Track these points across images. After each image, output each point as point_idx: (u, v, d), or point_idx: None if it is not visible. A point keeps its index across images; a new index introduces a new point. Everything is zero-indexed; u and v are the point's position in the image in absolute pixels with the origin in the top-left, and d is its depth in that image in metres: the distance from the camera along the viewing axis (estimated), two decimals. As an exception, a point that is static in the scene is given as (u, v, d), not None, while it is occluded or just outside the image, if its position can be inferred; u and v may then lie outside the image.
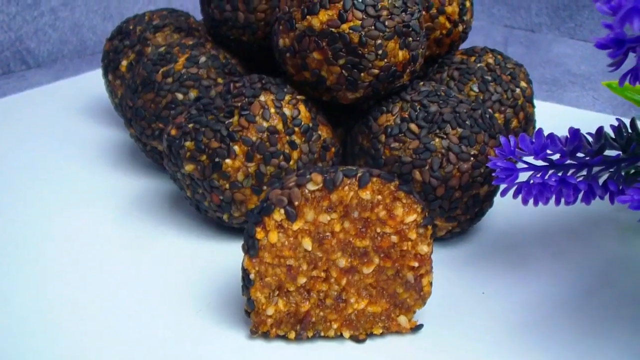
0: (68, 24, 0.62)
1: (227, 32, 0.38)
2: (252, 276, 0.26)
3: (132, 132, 0.39)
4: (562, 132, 0.31)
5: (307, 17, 0.31)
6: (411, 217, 0.26)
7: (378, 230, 0.26)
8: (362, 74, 0.32)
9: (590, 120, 0.45)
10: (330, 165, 0.33)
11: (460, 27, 0.40)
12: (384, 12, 0.31)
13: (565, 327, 0.28)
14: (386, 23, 0.31)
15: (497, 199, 0.35)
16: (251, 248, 0.25)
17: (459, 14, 0.39)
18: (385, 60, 0.31)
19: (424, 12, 0.38)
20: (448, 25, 0.39)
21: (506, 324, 0.28)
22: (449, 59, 0.40)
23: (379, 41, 0.31)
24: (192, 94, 0.37)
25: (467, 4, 0.40)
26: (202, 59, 0.38)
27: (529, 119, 0.39)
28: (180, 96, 0.36)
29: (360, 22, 0.31)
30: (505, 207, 0.36)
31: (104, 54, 0.45)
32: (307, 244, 0.25)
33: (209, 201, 0.32)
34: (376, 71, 0.32)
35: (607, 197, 0.30)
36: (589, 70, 0.65)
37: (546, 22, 0.78)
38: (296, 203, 0.25)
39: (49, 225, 0.35)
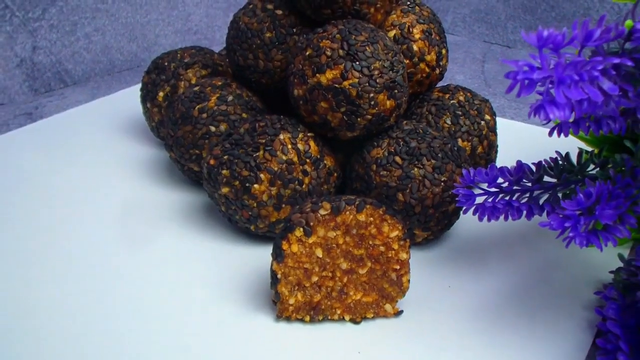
0: (99, 47, 0.71)
1: (250, 75, 0.48)
2: (279, 276, 0.35)
3: (172, 155, 0.48)
4: (522, 150, 0.40)
5: (317, 74, 0.41)
6: (394, 233, 0.35)
7: (370, 242, 0.35)
8: (358, 119, 0.41)
9: (547, 140, 0.55)
10: (333, 187, 0.43)
11: (437, 71, 0.49)
12: (376, 72, 0.40)
13: (513, 312, 0.38)
14: (377, 80, 0.40)
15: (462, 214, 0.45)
16: (278, 256, 0.35)
17: (436, 60, 0.49)
18: (377, 108, 0.41)
19: (407, 61, 0.47)
20: (427, 70, 0.48)
21: (467, 310, 0.38)
22: (427, 96, 0.49)
23: (371, 94, 0.40)
24: (223, 127, 0.46)
25: (443, 51, 0.49)
26: (230, 97, 0.47)
27: (492, 146, 0.49)
28: (213, 129, 0.46)
29: (358, 79, 0.40)
30: (469, 219, 0.46)
31: (142, 85, 0.54)
32: (319, 252, 0.35)
33: (239, 216, 0.42)
34: (369, 117, 0.41)
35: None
36: (554, 87, 0.75)
37: (521, 39, 0.87)
38: (311, 224, 0.35)
39: (103, 232, 0.44)
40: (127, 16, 0.73)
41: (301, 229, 0.35)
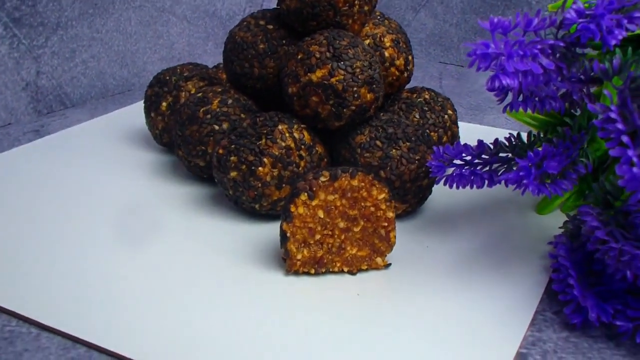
0: (95, 72, 0.78)
1: (246, 82, 0.55)
2: (288, 235, 0.42)
3: (180, 153, 0.55)
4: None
5: (308, 74, 0.48)
6: (382, 195, 0.43)
7: (362, 204, 0.43)
8: (344, 110, 0.49)
9: (499, 135, 0.64)
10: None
11: (405, 74, 0.57)
12: (357, 70, 0.48)
13: (481, 264, 0.45)
14: (359, 77, 0.48)
15: (435, 190, 0.52)
16: (288, 217, 0.42)
17: (404, 65, 0.57)
18: (359, 100, 0.49)
19: (381, 66, 0.55)
20: (397, 73, 0.56)
21: (444, 264, 0.45)
22: (398, 95, 0.57)
23: (355, 88, 0.48)
24: (225, 126, 0.53)
25: (410, 58, 0.58)
26: (230, 100, 0.54)
27: (455, 136, 0.57)
28: (216, 127, 0.53)
29: (343, 76, 0.48)
30: (440, 196, 0.54)
31: (146, 97, 0.61)
32: (321, 214, 0.42)
33: (246, 196, 0.49)
34: (353, 108, 0.49)
35: (503, 183, 0.48)
36: (504, 97, 0.84)
37: (472, 59, 0.97)
38: (314, 189, 0.42)
39: (121, 221, 0.50)
40: (119, 44, 0.80)
41: (306, 194, 0.42)
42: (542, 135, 0.50)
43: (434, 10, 0.98)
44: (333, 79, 0.48)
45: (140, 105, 0.75)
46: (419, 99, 0.56)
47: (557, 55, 0.40)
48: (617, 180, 0.49)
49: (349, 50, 0.49)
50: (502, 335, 0.38)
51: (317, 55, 0.48)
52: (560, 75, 0.41)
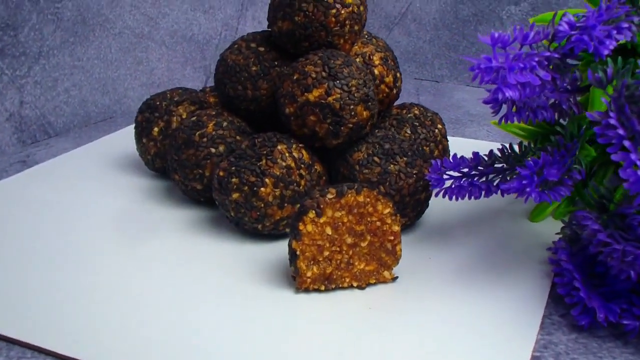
0: (77, 100, 0.77)
1: (239, 104, 0.56)
2: (297, 252, 0.43)
3: (176, 177, 0.55)
4: (468, 156, 0.50)
5: (305, 93, 0.49)
6: (387, 210, 0.44)
7: (368, 219, 0.43)
8: (342, 128, 0.50)
9: (485, 147, 0.66)
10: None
11: (394, 91, 0.59)
12: (353, 88, 0.49)
13: (484, 272, 0.47)
14: (355, 95, 0.49)
15: (431, 204, 0.54)
16: (297, 235, 0.42)
17: (393, 82, 0.58)
18: (356, 118, 0.50)
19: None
20: (387, 90, 0.58)
21: (447, 273, 0.46)
22: (388, 112, 0.59)
23: (351, 106, 0.49)
24: (221, 148, 0.53)
25: (398, 75, 0.59)
26: (225, 123, 0.55)
27: (445, 150, 0.58)
28: (213, 150, 0.53)
29: (339, 95, 0.49)
30: (436, 210, 0.55)
31: (136, 123, 0.61)
32: (329, 230, 0.43)
33: (248, 217, 0.49)
34: (350, 125, 0.50)
35: (499, 193, 0.49)
36: (482, 111, 0.86)
37: (447, 74, 0.99)
38: (321, 206, 0.42)
39: (122, 248, 0.50)
40: (100, 72, 0.80)
41: (313, 211, 0.42)
42: (532, 145, 0.51)
43: (407, 28, 1.00)
44: (330, 98, 0.49)
45: (125, 132, 0.75)
46: (409, 115, 0.58)
47: (551, 66, 0.41)
48: (609, 184, 0.51)
49: (344, 69, 0.50)
50: (515, 340, 0.39)
51: (313, 75, 0.49)
52: (555, 85, 0.42)
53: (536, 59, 0.38)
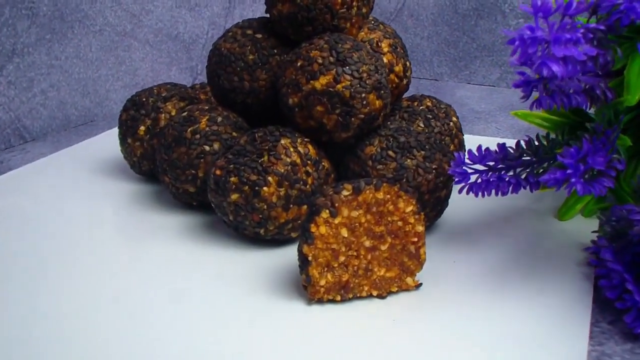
0: (55, 102, 0.71)
1: (235, 97, 0.50)
2: (309, 258, 0.37)
3: (166, 179, 0.50)
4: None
5: (311, 81, 0.44)
6: (410, 208, 0.38)
7: (389, 219, 0.38)
8: (352, 119, 0.45)
9: (496, 143, 0.61)
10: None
11: (404, 81, 0.54)
12: (364, 74, 0.44)
13: (516, 275, 0.41)
14: (367, 82, 0.44)
15: (450, 203, 0.48)
16: (308, 238, 0.37)
17: (403, 71, 0.53)
18: (368, 108, 0.45)
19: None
20: (397, 80, 0.53)
21: (476, 278, 0.41)
22: (398, 105, 0.54)
23: (363, 95, 0.44)
24: (216, 146, 0.48)
25: (408, 64, 0.54)
26: (219, 118, 0.49)
27: (461, 143, 0.53)
28: (207, 148, 0.48)
29: (350, 82, 0.44)
30: (455, 209, 0.50)
31: (120, 122, 0.56)
32: (344, 232, 0.38)
33: (249, 220, 0.44)
34: (362, 116, 0.45)
35: (528, 188, 0.44)
36: (487, 107, 0.82)
37: (447, 72, 0.95)
38: (336, 204, 0.37)
39: (118, 256, 0.45)
40: (79, 72, 0.74)
41: (327, 211, 0.37)
42: (559, 137, 0.46)
43: (404, 24, 0.96)
44: (339, 86, 0.44)
45: (107, 136, 0.70)
46: (421, 107, 0.53)
47: (594, 42, 0.36)
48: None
49: (354, 54, 0.44)
50: (563, 353, 0.34)
51: (320, 61, 0.44)
52: (595, 64, 0.37)
53: (582, 30, 0.33)
